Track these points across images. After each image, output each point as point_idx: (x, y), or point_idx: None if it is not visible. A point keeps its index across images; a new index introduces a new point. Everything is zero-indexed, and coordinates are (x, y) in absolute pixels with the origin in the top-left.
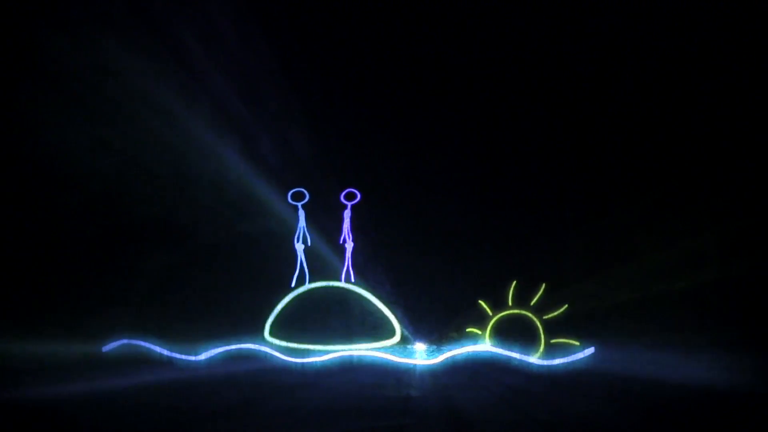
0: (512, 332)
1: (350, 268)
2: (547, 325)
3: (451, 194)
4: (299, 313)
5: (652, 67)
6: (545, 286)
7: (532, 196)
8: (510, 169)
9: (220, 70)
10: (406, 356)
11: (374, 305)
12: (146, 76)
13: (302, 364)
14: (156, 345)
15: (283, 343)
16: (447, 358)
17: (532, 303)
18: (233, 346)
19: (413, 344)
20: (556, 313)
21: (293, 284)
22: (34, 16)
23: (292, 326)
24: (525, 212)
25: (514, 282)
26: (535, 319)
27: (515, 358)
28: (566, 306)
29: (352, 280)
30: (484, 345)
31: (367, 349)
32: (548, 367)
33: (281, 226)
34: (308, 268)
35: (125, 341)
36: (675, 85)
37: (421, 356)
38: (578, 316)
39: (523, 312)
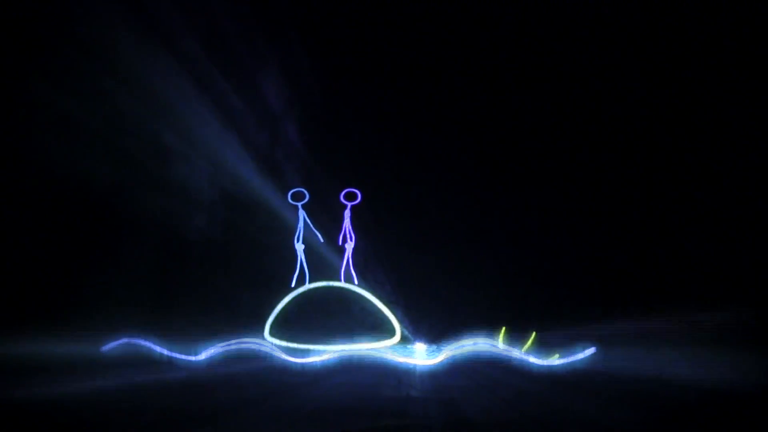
0: None
1: (350, 268)
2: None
3: (451, 194)
4: (299, 312)
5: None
6: (535, 334)
7: (532, 194)
8: (510, 167)
9: (221, 71)
10: (406, 356)
11: (374, 305)
12: (147, 77)
13: (302, 364)
14: (156, 345)
15: (284, 343)
16: (447, 358)
17: (523, 350)
18: (233, 346)
19: (413, 344)
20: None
21: (293, 284)
22: (33, 13)
23: (292, 326)
24: (525, 211)
25: (503, 328)
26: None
27: (515, 358)
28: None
29: (352, 279)
30: (483, 345)
31: (367, 349)
32: (548, 367)
33: (281, 226)
34: (308, 267)
35: (126, 340)
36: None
37: (421, 356)
38: (579, 316)
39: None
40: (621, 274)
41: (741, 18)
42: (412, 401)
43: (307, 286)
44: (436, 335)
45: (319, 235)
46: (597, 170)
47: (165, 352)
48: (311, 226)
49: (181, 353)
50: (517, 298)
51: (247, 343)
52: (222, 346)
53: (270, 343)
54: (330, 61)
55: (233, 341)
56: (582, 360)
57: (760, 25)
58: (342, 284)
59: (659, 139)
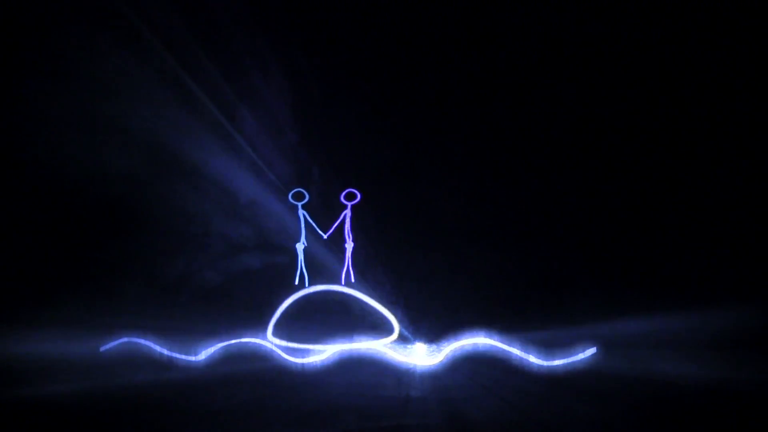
0: None
1: (350, 269)
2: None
3: (452, 194)
4: (299, 312)
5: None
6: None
7: (533, 193)
8: (511, 167)
9: (220, 69)
10: (405, 356)
11: (373, 306)
12: (145, 76)
13: (302, 363)
14: (156, 344)
15: (284, 343)
16: (447, 358)
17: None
18: (233, 346)
19: (413, 344)
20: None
21: (296, 282)
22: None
23: (292, 325)
24: (526, 210)
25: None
26: None
27: (515, 358)
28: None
29: (352, 280)
30: (483, 345)
31: (367, 348)
32: (548, 367)
33: (282, 226)
34: (308, 268)
35: (125, 340)
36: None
37: (421, 356)
38: (579, 315)
39: None
40: (623, 273)
41: (741, 18)
42: (412, 401)
43: (307, 289)
44: (436, 335)
45: (322, 233)
46: (598, 170)
47: (165, 351)
48: (314, 225)
49: (181, 353)
50: (517, 297)
51: (247, 343)
52: (222, 346)
53: (270, 343)
54: (331, 59)
55: (233, 341)
56: (582, 360)
57: (760, 25)
58: (341, 288)
59: (659, 137)
